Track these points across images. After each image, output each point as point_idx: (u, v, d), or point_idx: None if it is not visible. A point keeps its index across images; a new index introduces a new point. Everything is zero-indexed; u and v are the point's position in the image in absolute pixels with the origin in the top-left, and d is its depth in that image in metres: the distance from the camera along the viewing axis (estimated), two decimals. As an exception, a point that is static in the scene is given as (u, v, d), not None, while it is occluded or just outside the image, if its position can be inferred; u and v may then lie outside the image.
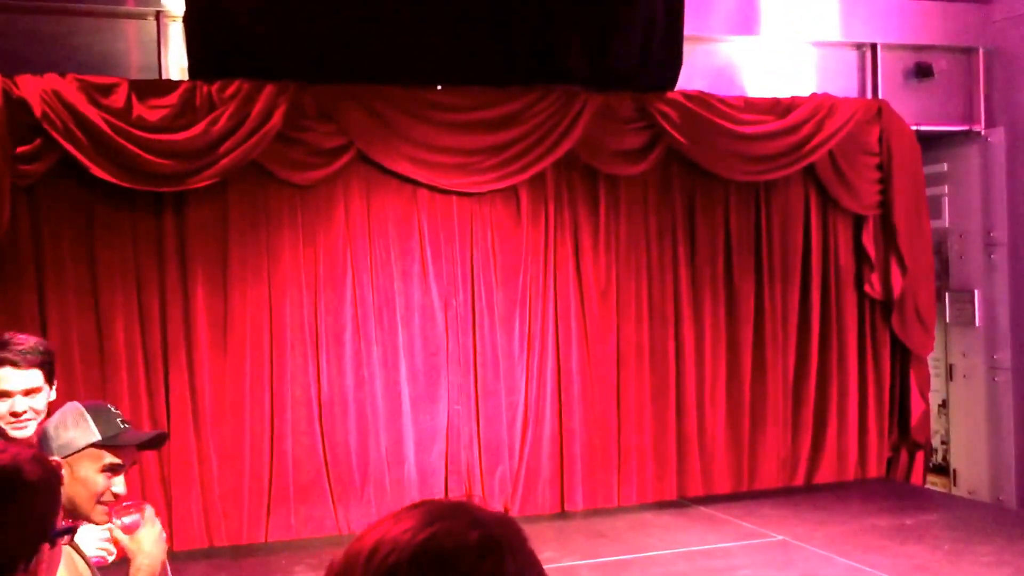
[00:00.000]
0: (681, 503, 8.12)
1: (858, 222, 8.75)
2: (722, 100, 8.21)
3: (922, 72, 8.93)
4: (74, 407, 3.26)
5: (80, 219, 7.03)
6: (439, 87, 7.72)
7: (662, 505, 8.07)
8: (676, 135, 7.99)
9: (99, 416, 3.28)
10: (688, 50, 8.12)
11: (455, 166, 7.72)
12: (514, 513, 7.81)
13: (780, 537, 7.05)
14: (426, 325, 7.76)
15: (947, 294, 9.34)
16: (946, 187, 9.42)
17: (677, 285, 8.31)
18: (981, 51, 9.10)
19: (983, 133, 9.11)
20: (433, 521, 1.14)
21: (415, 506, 1.19)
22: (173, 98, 7.03)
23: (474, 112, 7.74)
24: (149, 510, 3.16)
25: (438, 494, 7.76)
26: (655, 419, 8.23)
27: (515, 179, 7.83)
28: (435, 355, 7.78)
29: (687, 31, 8.06)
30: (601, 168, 8.06)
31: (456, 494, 7.78)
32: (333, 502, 7.51)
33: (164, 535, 3.17)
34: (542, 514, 7.88)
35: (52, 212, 6.96)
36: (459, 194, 7.80)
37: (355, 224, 7.61)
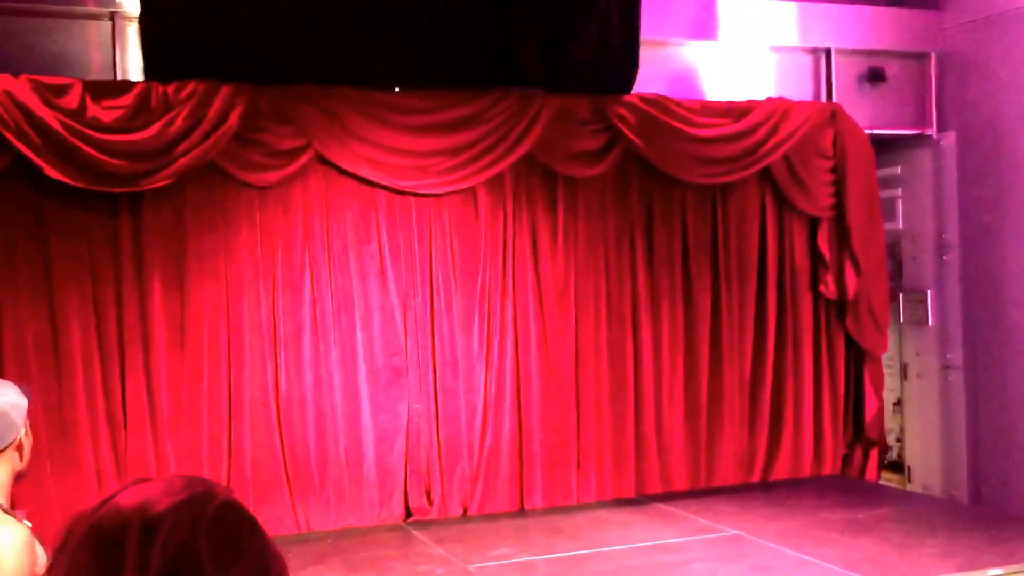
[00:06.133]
0: (639, 500, 8.19)
1: (813, 224, 8.86)
2: (678, 103, 8.30)
3: (875, 77, 9.06)
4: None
5: (33, 220, 6.99)
6: (396, 89, 7.78)
7: (620, 502, 8.13)
8: (633, 138, 8.08)
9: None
10: (647, 54, 8.21)
11: (413, 168, 7.77)
12: (474, 512, 7.89)
13: (733, 531, 7.13)
14: (385, 326, 7.80)
15: (901, 295, 9.47)
16: (900, 190, 9.56)
17: (635, 286, 8.39)
18: (933, 56, 9.25)
19: (935, 137, 9.25)
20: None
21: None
22: (128, 99, 7.03)
23: (432, 114, 7.79)
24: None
25: (398, 493, 7.81)
26: (613, 418, 8.30)
27: (473, 181, 7.89)
28: (394, 355, 7.82)
29: (646, 35, 8.15)
30: (559, 170, 8.14)
31: (416, 494, 7.83)
32: (292, 501, 7.53)
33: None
34: (501, 512, 7.93)
35: (5, 213, 6.92)
36: (417, 195, 7.85)
37: (313, 225, 7.64)
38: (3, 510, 3.11)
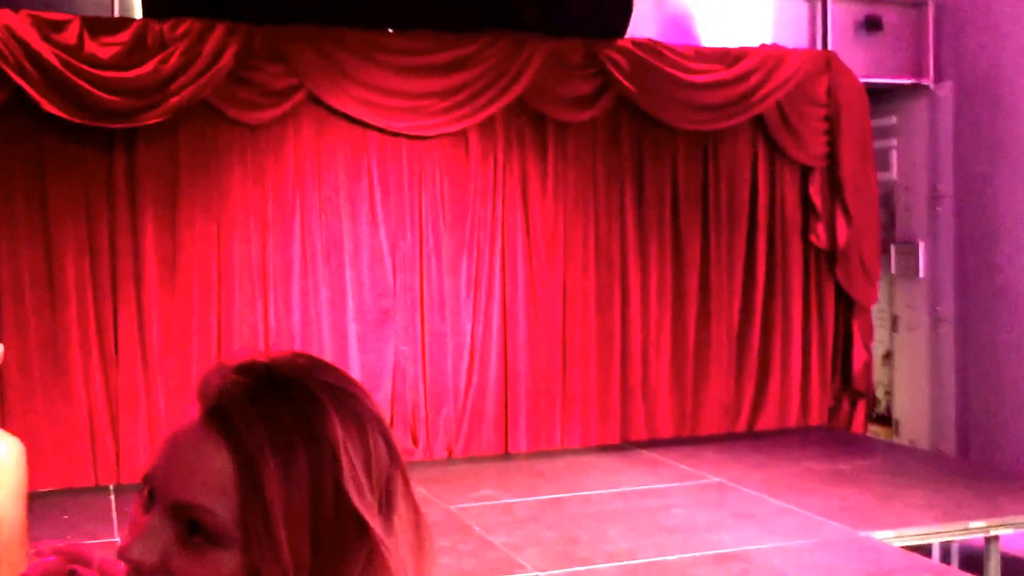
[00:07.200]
0: (624, 447, 8.26)
1: (805, 173, 8.86)
2: (672, 49, 8.28)
3: (872, 25, 9.01)
4: None
5: (31, 154, 7.09)
6: (390, 30, 7.77)
7: (604, 448, 8.21)
8: (625, 83, 8.07)
9: None
10: (641, -1, 8.20)
11: (405, 109, 7.78)
12: (458, 454, 7.97)
13: (716, 479, 7.20)
14: (374, 266, 7.85)
15: (893, 246, 9.47)
16: (895, 140, 9.54)
17: (624, 232, 8.41)
18: (931, 4, 9.18)
19: (931, 87, 9.20)
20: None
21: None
22: (125, 36, 7.08)
23: (425, 56, 7.79)
24: None
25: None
26: (599, 364, 8.36)
27: (464, 123, 7.89)
28: (382, 296, 7.87)
29: (641, -20, 8.13)
30: (550, 114, 8.13)
31: (401, 435, 7.91)
32: (279, 439, 7.59)
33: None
34: (486, 455, 8.01)
35: (3, 147, 7.00)
36: (409, 137, 7.86)
37: (304, 164, 7.67)
38: None
